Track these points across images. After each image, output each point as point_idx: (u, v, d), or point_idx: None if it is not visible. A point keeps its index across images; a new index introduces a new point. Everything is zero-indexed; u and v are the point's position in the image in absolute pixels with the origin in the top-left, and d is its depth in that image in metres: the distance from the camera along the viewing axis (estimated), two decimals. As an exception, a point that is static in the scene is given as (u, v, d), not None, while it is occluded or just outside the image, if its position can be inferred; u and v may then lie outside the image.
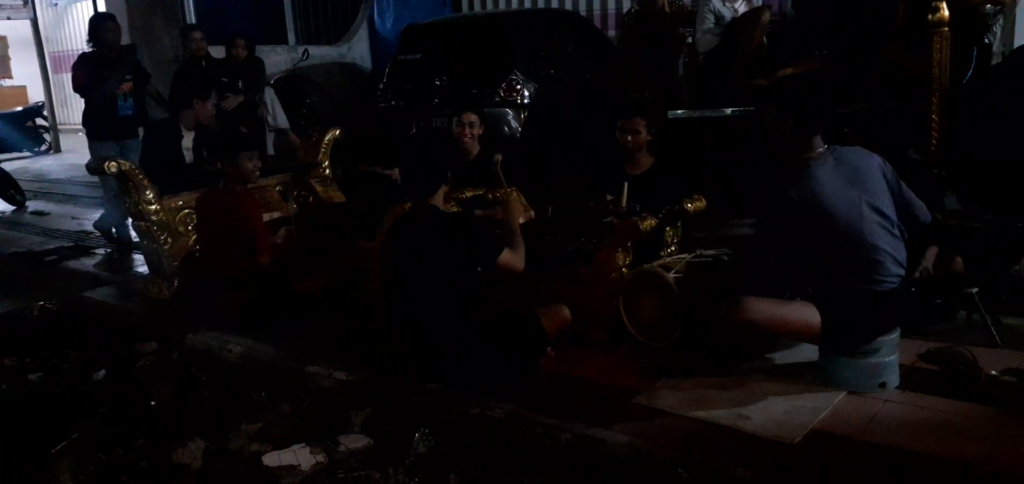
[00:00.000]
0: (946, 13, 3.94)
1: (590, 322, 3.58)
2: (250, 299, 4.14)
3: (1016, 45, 6.45)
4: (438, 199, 3.38)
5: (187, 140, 5.45)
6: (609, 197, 4.12)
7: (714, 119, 5.38)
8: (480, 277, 3.34)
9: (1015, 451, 2.51)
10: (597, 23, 9.82)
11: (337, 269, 4.48)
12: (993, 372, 2.99)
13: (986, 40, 4.73)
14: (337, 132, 5.42)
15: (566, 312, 3.44)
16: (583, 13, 10.22)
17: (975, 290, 3.37)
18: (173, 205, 4.73)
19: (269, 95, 7.15)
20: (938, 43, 3.98)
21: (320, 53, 9.99)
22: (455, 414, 3.05)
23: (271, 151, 7.04)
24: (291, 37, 11.13)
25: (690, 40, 5.99)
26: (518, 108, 6.59)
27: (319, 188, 5.20)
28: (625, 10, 8.48)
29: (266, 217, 4.76)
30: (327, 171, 5.34)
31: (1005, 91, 4.15)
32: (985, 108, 4.06)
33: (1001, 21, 5.09)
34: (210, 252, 4.42)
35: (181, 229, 4.75)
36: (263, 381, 3.62)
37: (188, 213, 4.73)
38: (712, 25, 5.60)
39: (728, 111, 5.29)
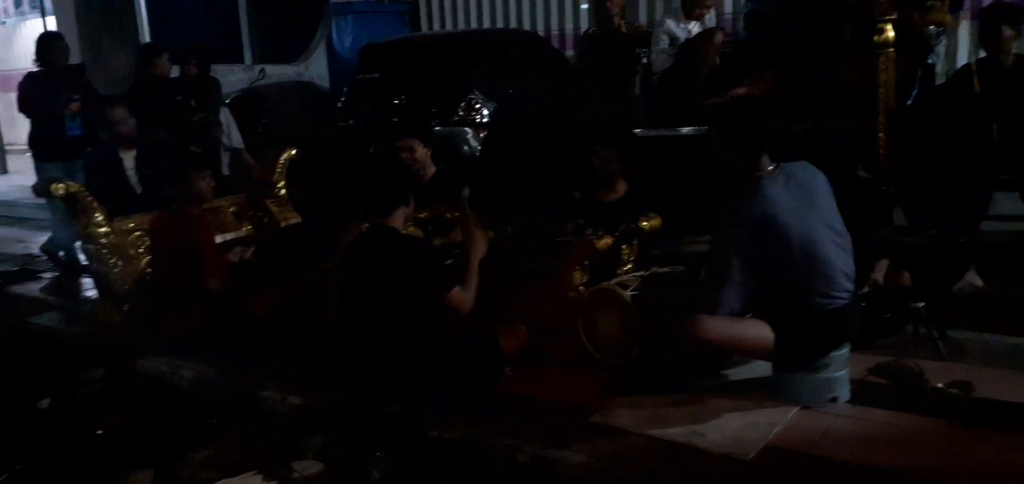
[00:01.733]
0: (891, 34, 4.05)
1: (548, 340, 3.58)
2: (203, 322, 4.06)
3: (958, 65, 6.68)
4: (397, 220, 3.36)
5: (128, 160, 5.33)
6: (580, 221, 4.15)
7: (670, 138, 5.45)
8: (433, 302, 3.32)
9: (961, 463, 2.57)
10: (555, 43, 9.90)
11: (292, 290, 4.42)
12: (939, 385, 3.05)
13: (930, 61, 4.88)
14: (293, 152, 5.37)
15: (524, 331, 3.44)
16: (541, 33, 10.29)
17: (922, 305, 3.45)
18: (124, 227, 4.62)
19: (224, 115, 7.04)
20: (884, 63, 4.09)
21: (277, 72, 9.89)
22: (412, 437, 3.02)
23: (226, 171, 6.92)
24: (247, 56, 10.98)
25: (646, 60, 6.07)
26: (477, 127, 6.59)
27: (274, 208, 5.13)
28: (583, 30, 8.59)
29: (219, 238, 4.70)
30: (283, 191, 5.28)
31: (947, 110, 4.28)
32: (929, 127, 4.18)
33: (944, 42, 5.26)
34: (162, 275, 4.33)
35: (132, 252, 4.64)
36: (215, 406, 3.54)
37: (139, 235, 4.63)
38: (666, 46, 5.68)
39: (684, 130, 5.37)
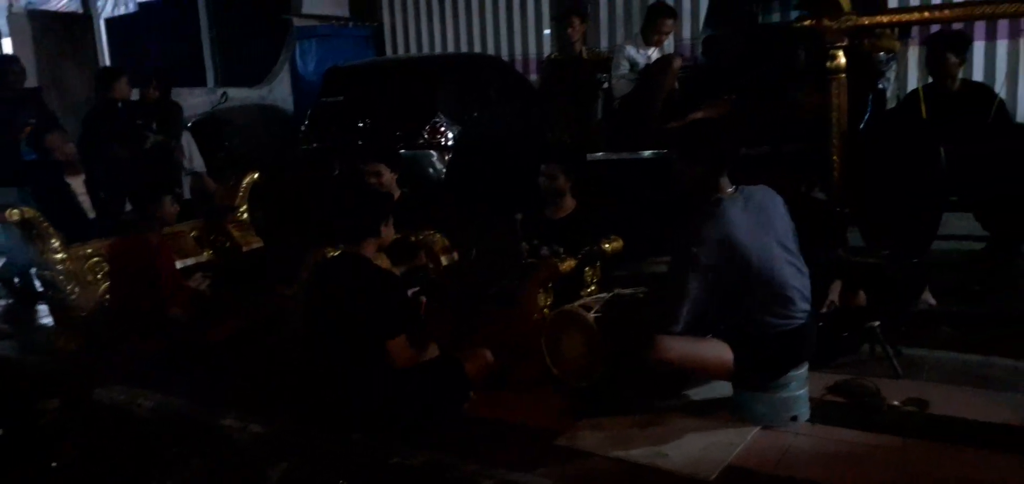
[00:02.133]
0: (843, 60, 4.16)
1: (513, 363, 3.59)
2: (162, 350, 4.00)
3: (909, 90, 6.89)
4: (368, 249, 3.32)
5: (77, 185, 5.25)
6: (535, 241, 4.18)
7: (631, 161, 5.53)
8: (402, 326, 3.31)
9: (916, 480, 2.63)
10: (519, 67, 10.00)
11: (253, 317, 4.38)
12: (895, 402, 3.13)
13: (881, 86, 5.03)
14: (256, 176, 5.33)
15: (488, 355, 3.44)
16: (506, 57, 10.39)
17: (877, 324, 3.53)
18: (81, 253, 4.54)
19: (186, 138, 6.97)
20: (836, 89, 4.20)
21: (240, 95, 9.83)
22: (375, 464, 3.00)
23: (187, 195, 6.85)
24: (210, 79, 10.93)
25: (607, 85, 6.16)
26: (442, 150, 6.62)
27: (236, 233, 5.09)
28: (546, 55, 8.68)
29: (180, 264, 4.64)
30: (245, 215, 5.23)
31: (896, 134, 4.41)
32: (880, 150, 4.30)
33: (894, 67, 5.42)
34: (121, 301, 4.26)
35: (90, 278, 4.55)
36: (175, 436, 3.49)
37: (97, 261, 4.55)
38: (627, 71, 5.76)
39: (645, 154, 5.45)
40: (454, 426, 3.22)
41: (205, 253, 4.91)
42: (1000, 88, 5.96)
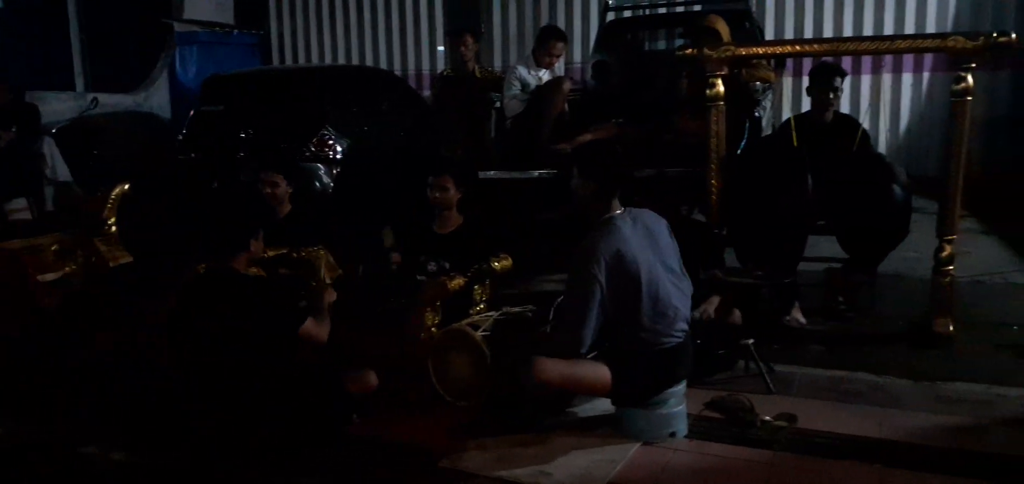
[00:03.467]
0: (722, 88, 4.34)
1: (399, 383, 3.51)
2: (13, 373, 3.68)
3: (784, 118, 7.28)
4: (240, 262, 3.21)
5: None
6: (421, 257, 4.13)
7: (521, 180, 5.57)
8: (281, 344, 3.19)
9: (787, 491, 2.75)
10: (412, 82, 9.93)
11: (120, 336, 4.10)
12: (767, 418, 3.25)
13: (757, 114, 5.28)
14: (126, 186, 5.01)
15: (373, 376, 3.35)
16: (398, 72, 10.30)
17: (751, 341, 3.68)
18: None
19: (48, 145, 6.52)
20: (715, 115, 4.37)
21: (113, 101, 9.29)
22: (250, 490, 2.86)
23: (50, 206, 6.40)
24: (79, 83, 10.27)
25: (499, 104, 6.19)
26: (330, 163, 6.45)
27: (103, 247, 4.75)
28: (438, 71, 8.67)
29: (39, 278, 4.30)
30: (113, 228, 4.91)
31: (769, 160, 4.63)
32: (753, 174, 4.50)
33: (770, 97, 5.71)
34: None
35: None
36: (26, 467, 3.20)
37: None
38: (518, 91, 5.82)
39: (535, 173, 5.50)
40: (336, 448, 3.11)
41: (67, 268, 4.57)
42: (863, 119, 6.38)
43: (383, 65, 10.57)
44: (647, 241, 3.11)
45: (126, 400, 3.64)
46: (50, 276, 4.37)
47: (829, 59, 5.05)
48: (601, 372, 3.07)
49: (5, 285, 3.75)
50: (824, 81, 4.57)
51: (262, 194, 4.46)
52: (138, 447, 3.20)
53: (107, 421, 3.46)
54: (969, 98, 3.90)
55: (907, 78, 8.83)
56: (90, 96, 8.71)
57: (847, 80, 4.65)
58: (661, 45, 7.99)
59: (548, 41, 5.95)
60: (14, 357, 3.72)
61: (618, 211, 3.15)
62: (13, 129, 6.00)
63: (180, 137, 7.06)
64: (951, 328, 4.06)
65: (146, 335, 3.92)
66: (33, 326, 3.82)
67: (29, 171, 6.07)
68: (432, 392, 3.47)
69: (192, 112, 7.25)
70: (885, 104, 8.90)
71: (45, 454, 3.28)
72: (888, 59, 8.59)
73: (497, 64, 9.64)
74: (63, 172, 6.47)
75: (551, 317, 3.51)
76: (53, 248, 4.62)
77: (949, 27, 8.48)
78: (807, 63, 8.45)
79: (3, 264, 3.77)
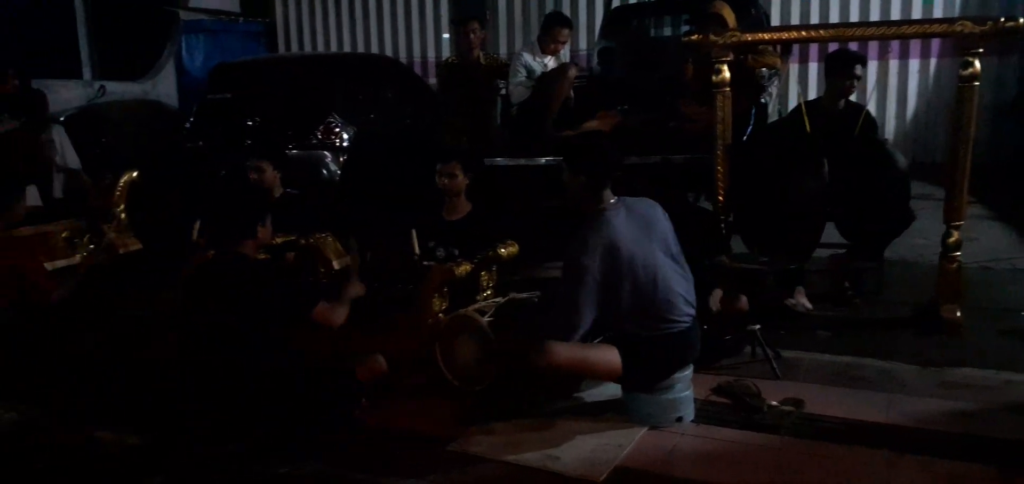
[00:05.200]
0: (727, 75, 4.33)
1: (407, 369, 3.54)
2: (24, 357, 3.72)
3: (790, 105, 7.27)
4: (248, 248, 3.24)
5: None
6: (430, 243, 4.15)
7: (527, 167, 5.57)
8: (290, 329, 3.21)
9: (792, 478, 2.75)
10: (417, 70, 9.93)
11: (130, 322, 4.14)
12: (774, 403, 3.27)
13: (763, 100, 5.26)
14: (135, 174, 5.04)
15: (382, 361, 3.37)
16: (404, 59, 10.29)
17: (758, 327, 3.69)
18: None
19: (58, 133, 6.54)
20: (721, 102, 4.36)
21: (120, 89, 9.30)
22: (260, 476, 2.88)
23: (59, 193, 6.43)
24: (86, 71, 10.27)
25: (504, 91, 6.18)
26: (337, 151, 6.47)
27: (113, 235, 4.78)
28: (443, 59, 8.66)
29: (50, 266, 4.33)
30: (123, 216, 4.94)
31: (779, 146, 4.62)
32: (763, 161, 4.49)
33: (776, 84, 5.69)
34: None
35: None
36: (39, 452, 3.24)
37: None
38: (524, 78, 5.81)
39: (541, 160, 5.50)
40: (345, 433, 3.14)
41: (77, 256, 4.60)
42: (869, 105, 6.36)
43: (389, 52, 10.56)
44: (642, 230, 3.12)
45: (137, 386, 3.68)
46: (61, 263, 4.40)
47: (853, 46, 5.00)
48: (611, 356, 3.08)
49: (17, 272, 3.77)
50: (845, 68, 4.51)
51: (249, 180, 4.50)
52: (151, 432, 3.23)
53: (120, 406, 3.49)
54: (976, 84, 3.89)
55: (914, 64, 8.79)
56: (98, 84, 8.74)
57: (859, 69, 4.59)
58: (666, 31, 7.97)
59: (553, 28, 5.93)
60: (28, 343, 3.74)
61: (611, 202, 3.16)
62: (23, 117, 6.02)
63: (187, 125, 7.11)
64: (959, 314, 4.06)
65: (156, 320, 3.96)
66: (46, 312, 3.84)
67: (37, 159, 6.09)
68: (438, 378, 3.49)
69: (199, 100, 7.28)
70: (892, 90, 8.87)
71: (61, 438, 3.31)
72: (895, 45, 8.56)
73: (502, 51, 9.62)
74: (73, 159, 6.48)
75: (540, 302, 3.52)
76: (63, 235, 4.66)
77: (956, 12, 8.43)
78: (814, 49, 8.52)
79: (15, 251, 3.79)
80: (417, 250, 3.90)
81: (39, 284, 3.86)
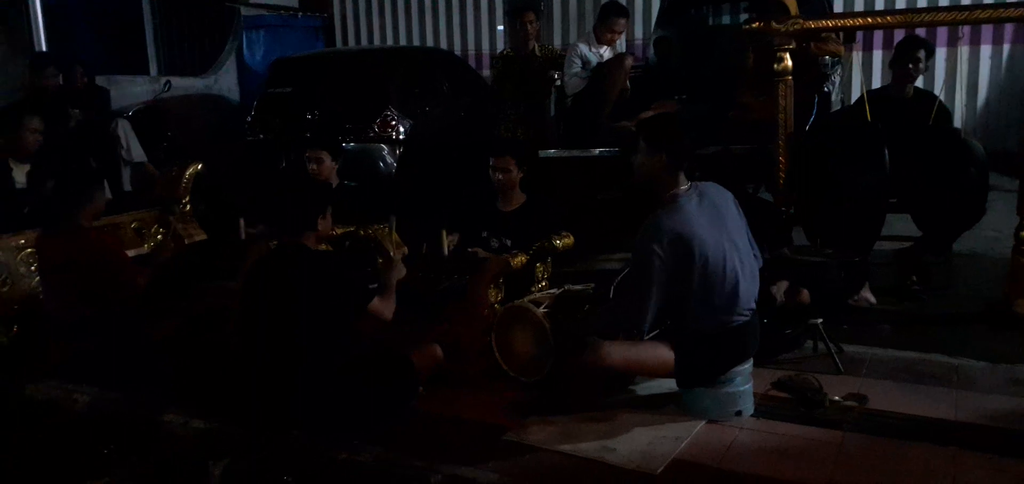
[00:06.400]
0: (789, 63, 4.24)
1: (463, 359, 3.57)
2: (100, 345, 3.85)
3: (853, 94, 7.07)
4: (309, 240, 3.29)
5: (19, 173, 5.05)
6: (484, 234, 4.17)
7: (582, 159, 5.55)
8: (350, 319, 3.27)
9: (854, 474, 2.68)
10: (471, 63, 9.96)
11: (197, 311, 4.26)
12: (836, 398, 3.19)
13: (826, 89, 5.14)
14: (199, 166, 5.19)
15: (438, 350, 3.41)
16: (458, 52, 10.33)
17: (820, 321, 3.61)
18: (13, 244, 4.34)
19: (124, 127, 6.76)
20: (783, 90, 4.27)
21: (184, 84, 9.57)
22: (321, 460, 2.95)
23: (127, 186, 6.65)
24: (153, 68, 10.62)
25: (559, 83, 6.17)
26: (393, 144, 6.55)
27: (178, 225, 4.94)
28: (498, 51, 8.67)
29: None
30: (188, 207, 5.09)
31: (840, 137, 4.50)
32: (824, 152, 4.39)
33: (839, 72, 5.55)
34: (52, 296, 4.09)
35: (22, 270, 4.36)
36: (112, 433, 3.37)
37: (30, 252, 4.36)
38: (579, 69, 5.78)
39: (595, 152, 5.48)
40: (403, 422, 3.18)
41: (146, 246, 4.76)
42: (939, 93, 6.15)
43: (444, 46, 10.62)
44: (714, 219, 3.04)
45: (203, 373, 3.80)
46: (130, 253, 4.56)
47: (921, 32, 4.89)
48: (663, 354, 3.05)
49: (100, 263, 3.92)
50: (905, 53, 4.44)
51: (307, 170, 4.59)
52: (216, 417, 3.32)
53: (186, 392, 3.60)
54: (1053, 70, 3.73)
55: (986, 50, 8.44)
56: (164, 80, 8.99)
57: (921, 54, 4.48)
58: (725, 19, 7.83)
59: (609, 18, 5.89)
60: (103, 331, 3.88)
61: (684, 186, 3.07)
62: (89, 112, 6.26)
63: (249, 119, 7.28)
64: (1032, 309, 3.91)
65: (220, 310, 4.07)
66: (124, 301, 3.98)
67: (106, 153, 6.32)
68: (494, 368, 3.51)
69: (260, 95, 7.45)
70: (962, 78, 8.54)
71: (128, 422, 3.44)
72: (966, 30, 8.23)
73: (557, 43, 9.59)
74: (139, 153, 6.69)
75: (611, 295, 3.50)
76: (132, 226, 4.83)
77: (1031, -4, 8.07)
78: (878, 36, 8.25)
79: (78, 243, 3.93)
80: (446, 251, 3.93)
81: (126, 274, 3.99)
